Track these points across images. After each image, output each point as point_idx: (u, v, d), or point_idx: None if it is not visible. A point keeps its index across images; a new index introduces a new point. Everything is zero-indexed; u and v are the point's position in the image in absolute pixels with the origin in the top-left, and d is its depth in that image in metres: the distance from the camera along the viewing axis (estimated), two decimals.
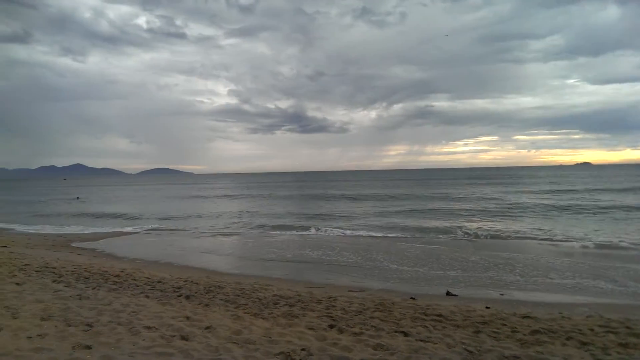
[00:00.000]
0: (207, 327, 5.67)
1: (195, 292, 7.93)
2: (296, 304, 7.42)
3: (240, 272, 11.11)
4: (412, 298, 8.23)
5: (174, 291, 7.99)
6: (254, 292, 8.20)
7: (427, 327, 6.13)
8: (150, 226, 22.88)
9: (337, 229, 19.97)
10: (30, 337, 4.94)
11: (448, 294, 8.93)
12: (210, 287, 8.50)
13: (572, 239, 15.70)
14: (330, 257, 13.09)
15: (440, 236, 17.21)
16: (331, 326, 6.01)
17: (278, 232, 19.54)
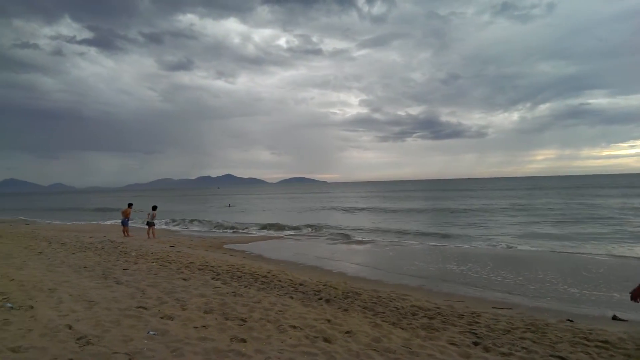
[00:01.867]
0: (347, 332, 5.79)
1: (334, 297, 8.18)
2: (436, 316, 7.17)
3: (376, 280, 11.15)
4: (569, 320, 7.31)
5: (315, 294, 8.35)
6: (391, 301, 8.15)
7: (589, 353, 5.39)
8: (290, 232, 24.39)
9: (475, 240, 18.87)
10: (196, 327, 5.60)
11: (615, 318, 7.74)
12: (347, 292, 8.70)
13: None
14: (471, 270, 12.37)
15: (602, 253, 15.03)
16: (475, 343, 5.65)
17: (412, 242, 19.17)
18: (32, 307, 6.10)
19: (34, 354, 4.36)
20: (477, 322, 6.84)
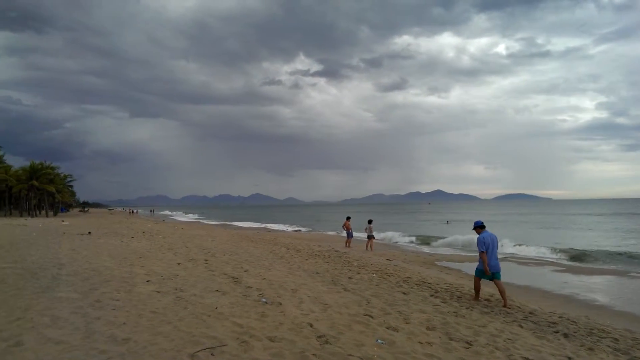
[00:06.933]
0: None
1: (574, 332, 7.10)
2: None
3: (628, 318, 9.20)
4: None
5: (549, 326, 7.41)
6: None
7: None
8: (510, 254, 22.38)
9: None
10: (421, 343, 5.65)
11: None
12: (592, 329, 7.44)
13: None
14: None
15: None
16: None
17: None
18: (280, 304, 7.18)
19: (286, 344, 5.12)
20: None
